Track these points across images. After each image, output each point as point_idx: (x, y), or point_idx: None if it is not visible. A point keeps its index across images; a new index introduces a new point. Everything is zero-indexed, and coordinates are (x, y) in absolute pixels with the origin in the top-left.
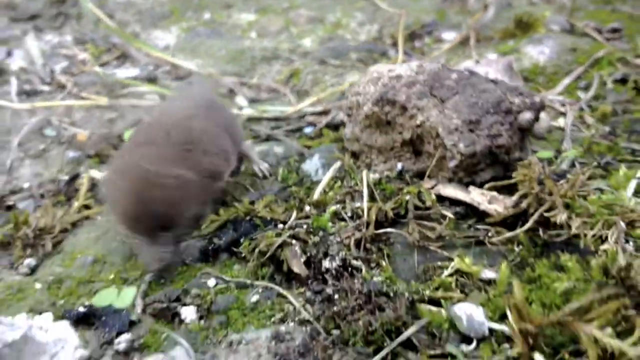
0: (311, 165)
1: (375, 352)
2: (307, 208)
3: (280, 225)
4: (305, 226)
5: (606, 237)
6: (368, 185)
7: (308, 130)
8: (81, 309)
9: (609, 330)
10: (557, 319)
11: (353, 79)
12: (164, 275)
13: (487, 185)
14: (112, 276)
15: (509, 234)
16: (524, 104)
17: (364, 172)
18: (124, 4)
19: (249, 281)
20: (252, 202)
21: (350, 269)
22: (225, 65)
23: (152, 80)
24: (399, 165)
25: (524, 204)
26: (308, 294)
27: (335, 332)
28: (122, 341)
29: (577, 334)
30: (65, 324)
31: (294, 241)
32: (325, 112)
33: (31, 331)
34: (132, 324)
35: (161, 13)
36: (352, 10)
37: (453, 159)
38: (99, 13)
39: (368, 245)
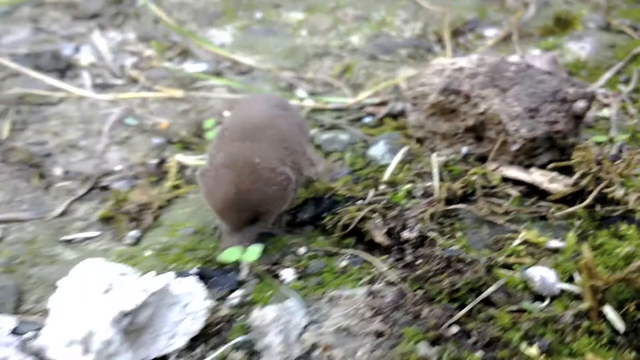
0: (377, 150)
1: (460, 308)
2: (382, 187)
3: (359, 202)
4: (383, 202)
5: None
6: (437, 166)
7: (367, 119)
8: (193, 270)
9: None
10: (623, 275)
11: (405, 74)
12: None
13: (546, 167)
14: (212, 245)
15: (569, 209)
16: (578, 93)
17: (433, 155)
18: (178, 3)
19: (335, 250)
20: (332, 181)
21: (427, 239)
22: (281, 61)
23: (218, 74)
24: (464, 149)
25: (583, 183)
26: (390, 261)
27: (419, 292)
28: (235, 297)
29: None
30: (192, 279)
31: (374, 214)
32: (383, 103)
33: (168, 285)
34: (239, 284)
35: (215, 12)
36: (395, 9)
37: (515, 143)
38: (158, 12)
39: (440, 220)
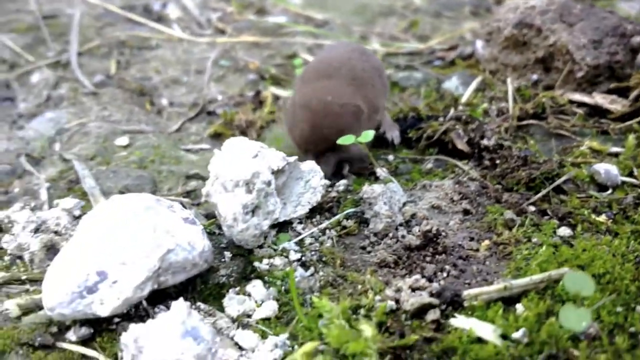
0: (451, 84)
1: (535, 194)
2: (460, 107)
3: (441, 119)
4: (463, 117)
5: None
6: (512, 91)
7: (437, 62)
8: None
9: None
10: None
11: (469, 26)
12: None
13: (605, 90)
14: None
15: (627, 123)
16: (635, 30)
17: (509, 79)
18: None
19: (419, 157)
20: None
21: (503, 146)
22: (352, 18)
23: (297, 24)
24: (534, 77)
25: (639, 102)
26: (471, 164)
27: (498, 186)
28: (340, 184)
29: None
30: (312, 162)
31: (456, 127)
32: (453, 48)
33: (297, 161)
34: (342, 177)
35: None
36: None
37: (580, 70)
38: None
39: (513, 134)
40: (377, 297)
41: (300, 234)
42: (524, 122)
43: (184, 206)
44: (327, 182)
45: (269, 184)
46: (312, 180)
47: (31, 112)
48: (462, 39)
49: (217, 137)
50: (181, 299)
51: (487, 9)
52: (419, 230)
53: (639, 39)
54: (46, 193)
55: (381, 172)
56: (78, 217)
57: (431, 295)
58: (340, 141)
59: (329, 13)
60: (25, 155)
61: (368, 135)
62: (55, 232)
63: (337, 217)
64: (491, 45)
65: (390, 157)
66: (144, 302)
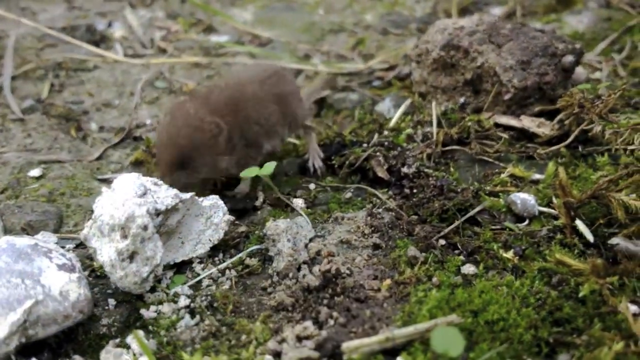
0: (384, 106)
1: (448, 226)
2: (385, 132)
3: (365, 145)
4: (386, 143)
5: (632, 141)
6: (436, 115)
7: (376, 83)
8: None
9: (634, 195)
10: (593, 191)
11: (412, 44)
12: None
13: (535, 111)
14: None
15: (554, 147)
16: (567, 48)
17: (433, 104)
18: None
19: (341, 185)
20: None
21: (423, 174)
22: (299, 35)
23: (240, 44)
24: (462, 99)
25: (566, 123)
26: (390, 193)
27: (414, 217)
28: (251, 218)
29: (609, 202)
30: (215, 197)
31: (377, 153)
32: (392, 67)
33: (195, 196)
34: (255, 209)
35: None
36: None
37: (508, 93)
38: None
39: (437, 160)
40: (259, 350)
41: (198, 275)
42: (449, 148)
43: (84, 245)
44: (232, 217)
45: (145, 228)
46: (214, 217)
47: None
48: (404, 57)
49: (139, 165)
50: None
51: None
52: (319, 270)
53: (571, 59)
54: None
55: (297, 203)
56: None
57: (315, 347)
58: (243, 174)
59: (277, 30)
60: None
61: (269, 168)
62: None
63: (239, 255)
64: (421, 67)
65: (312, 186)
66: (13, 357)
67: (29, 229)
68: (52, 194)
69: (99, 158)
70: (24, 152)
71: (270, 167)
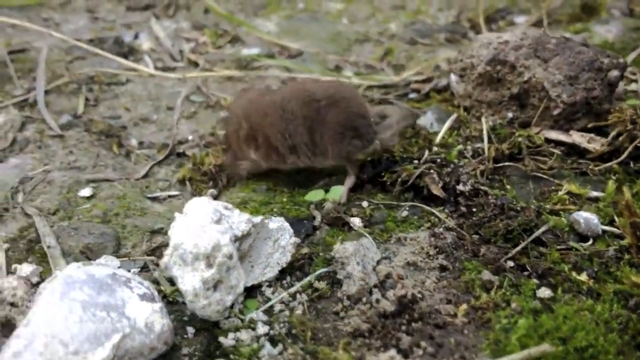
0: (426, 120)
1: (514, 247)
2: (435, 148)
3: (416, 161)
4: (438, 160)
5: None
6: (487, 130)
7: (412, 95)
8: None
9: None
10: None
11: (445, 55)
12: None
13: (582, 126)
14: (284, 199)
15: (606, 165)
16: (612, 63)
17: (483, 119)
18: None
19: (394, 203)
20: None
21: (479, 191)
22: (326, 46)
23: (271, 56)
24: (510, 114)
25: (618, 141)
26: (447, 211)
27: (475, 236)
28: (312, 239)
29: None
30: (281, 219)
31: (431, 170)
32: (428, 79)
33: (264, 221)
34: (313, 229)
35: (260, 3)
36: None
37: (557, 108)
38: (210, 2)
39: (490, 176)
40: None
41: (269, 299)
42: (501, 164)
43: (147, 267)
44: (298, 240)
45: (230, 257)
46: (280, 239)
47: None
48: (437, 69)
49: (186, 182)
50: None
51: (464, 35)
52: (394, 295)
53: (616, 73)
54: (3, 256)
55: (355, 222)
56: (36, 285)
57: None
58: (308, 197)
59: (304, 41)
60: None
61: (337, 192)
62: (12, 304)
63: (308, 278)
64: (465, 82)
65: (365, 203)
66: None
67: (88, 252)
68: (106, 215)
69: (145, 176)
70: (69, 170)
71: (338, 191)
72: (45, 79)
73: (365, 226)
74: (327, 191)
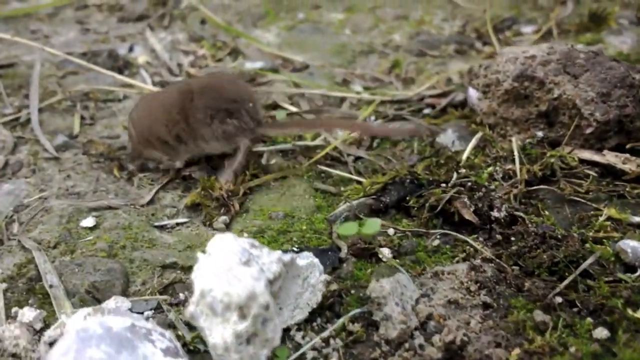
0: (446, 138)
1: (559, 280)
2: (462, 170)
3: (443, 184)
4: (469, 184)
5: None
6: (517, 150)
7: (427, 111)
8: (295, 249)
9: None
10: None
11: (456, 67)
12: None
13: (618, 149)
14: (303, 226)
15: None
16: None
17: (513, 139)
18: (221, 6)
19: (423, 230)
20: (411, 166)
21: (516, 218)
22: (330, 58)
23: (275, 70)
24: (540, 133)
25: None
26: (480, 239)
27: (515, 267)
28: (339, 273)
29: None
30: (311, 255)
31: (462, 195)
32: (444, 94)
33: (294, 257)
34: (340, 261)
35: (257, 14)
36: (432, 8)
37: (590, 126)
38: (207, 13)
39: (523, 200)
40: None
41: (300, 345)
42: (535, 187)
43: (161, 307)
44: (328, 277)
45: (267, 307)
46: (310, 277)
47: None
48: (450, 82)
49: (195, 208)
50: None
51: (471, 46)
52: (440, 340)
53: None
54: (2, 297)
55: (384, 253)
56: (40, 331)
57: None
58: (341, 231)
59: (307, 53)
60: None
61: (374, 225)
62: (14, 355)
63: (341, 320)
64: (489, 98)
65: (391, 231)
66: None
67: (95, 292)
68: (112, 248)
69: (150, 202)
70: (68, 196)
71: (375, 224)
72: (38, 97)
73: (394, 257)
74: (361, 224)
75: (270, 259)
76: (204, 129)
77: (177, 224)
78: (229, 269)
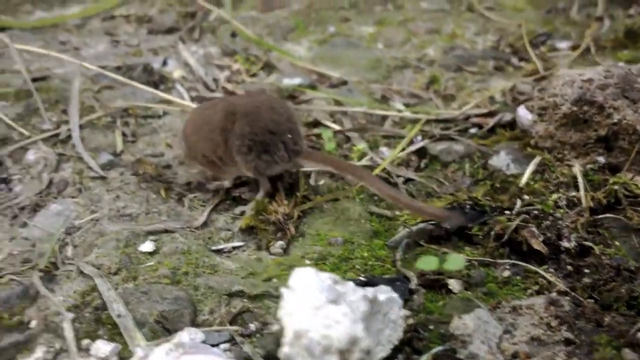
0: (499, 161)
1: (638, 314)
2: (526, 197)
3: (507, 211)
4: (535, 212)
5: None
6: (581, 176)
7: (474, 130)
8: (362, 278)
9: None
10: None
11: (497, 85)
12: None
13: None
14: (365, 253)
15: None
16: None
17: (576, 165)
18: (250, 18)
19: (489, 259)
20: (468, 190)
21: (586, 248)
22: (365, 74)
23: (313, 87)
24: (601, 159)
25: None
26: (551, 270)
27: (590, 301)
28: (412, 305)
29: None
30: (389, 289)
31: (529, 224)
32: (490, 114)
33: (377, 292)
34: (410, 293)
35: (287, 27)
36: (463, 22)
37: None
38: (239, 26)
39: (589, 229)
40: None
41: None
42: (602, 216)
43: (233, 339)
44: (408, 312)
45: (368, 352)
46: (390, 313)
47: (34, 203)
48: (491, 99)
49: (250, 232)
50: None
51: (507, 62)
52: None
53: None
54: (71, 329)
55: (454, 285)
56: None
57: None
58: (421, 265)
59: (342, 69)
60: (37, 269)
61: (457, 261)
62: None
63: (424, 357)
64: (546, 121)
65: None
66: None
67: (164, 322)
68: (175, 274)
69: (204, 224)
70: (120, 218)
71: (459, 261)
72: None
73: (465, 289)
74: (442, 260)
75: (357, 297)
76: (239, 156)
77: (233, 248)
78: (319, 308)
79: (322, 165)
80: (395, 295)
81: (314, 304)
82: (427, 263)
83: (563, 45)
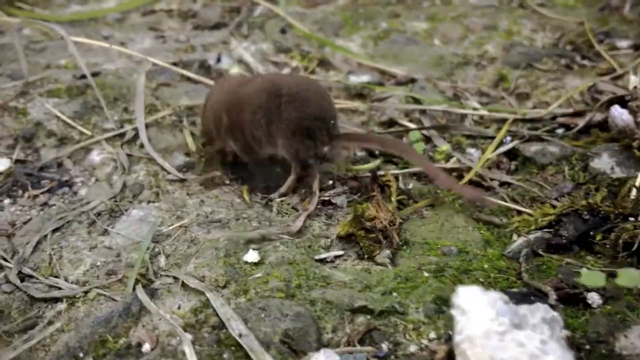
0: (602, 164)
1: None
2: None
3: (631, 218)
4: None
5: None
6: None
7: (560, 130)
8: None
9: None
10: None
11: (573, 83)
12: None
13: None
14: (485, 265)
15: None
16: None
17: None
18: (298, 14)
19: (618, 270)
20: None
21: None
22: (429, 71)
23: (380, 84)
24: None
25: None
26: None
27: None
28: None
29: None
30: (547, 308)
31: None
32: (578, 113)
33: (543, 313)
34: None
35: (336, 23)
36: (518, 18)
37: None
38: (293, 22)
39: None
40: None
41: None
42: None
43: None
44: (568, 332)
45: None
46: (553, 334)
47: (109, 208)
48: (573, 99)
49: (348, 239)
50: None
51: (572, 59)
52: None
53: None
54: (193, 352)
55: (593, 298)
56: None
57: None
58: (586, 281)
59: (404, 65)
60: (136, 281)
61: (633, 278)
62: None
63: None
64: None
65: (584, 270)
66: None
67: (290, 342)
68: (289, 287)
69: (298, 231)
70: (210, 224)
71: (635, 277)
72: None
73: (604, 303)
74: (610, 274)
75: (537, 319)
76: (282, 139)
77: (336, 257)
78: (504, 333)
79: (363, 144)
80: (556, 314)
81: (499, 329)
82: (594, 280)
83: (623, 44)
